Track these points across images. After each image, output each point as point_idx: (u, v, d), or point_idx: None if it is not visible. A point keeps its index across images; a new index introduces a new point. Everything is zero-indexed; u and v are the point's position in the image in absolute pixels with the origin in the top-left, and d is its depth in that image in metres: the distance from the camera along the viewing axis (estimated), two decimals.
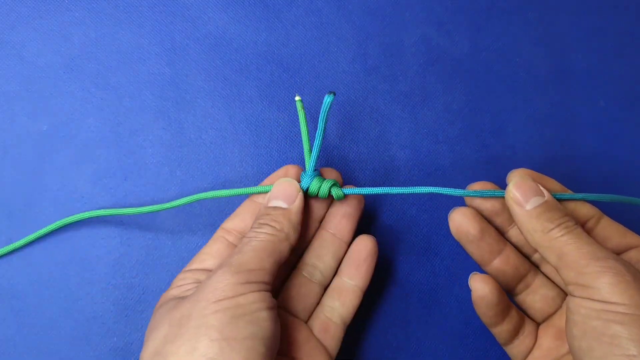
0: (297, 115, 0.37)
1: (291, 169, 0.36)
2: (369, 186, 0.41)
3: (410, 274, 0.40)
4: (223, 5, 0.42)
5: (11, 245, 0.38)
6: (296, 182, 0.35)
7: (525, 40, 0.43)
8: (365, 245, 0.36)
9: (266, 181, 0.36)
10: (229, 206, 0.40)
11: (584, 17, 0.44)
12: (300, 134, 0.36)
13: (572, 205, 0.34)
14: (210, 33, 0.41)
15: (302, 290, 0.35)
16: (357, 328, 0.39)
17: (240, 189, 0.36)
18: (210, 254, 0.35)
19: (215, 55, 0.41)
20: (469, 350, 0.40)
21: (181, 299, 0.31)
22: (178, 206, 0.37)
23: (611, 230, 0.34)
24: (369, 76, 0.42)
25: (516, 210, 0.32)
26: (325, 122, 0.34)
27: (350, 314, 0.36)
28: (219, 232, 0.35)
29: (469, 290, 0.33)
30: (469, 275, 0.34)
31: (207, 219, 0.40)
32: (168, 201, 0.39)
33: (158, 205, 0.37)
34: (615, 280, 0.28)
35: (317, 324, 0.35)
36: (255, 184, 0.40)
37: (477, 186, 0.35)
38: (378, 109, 0.42)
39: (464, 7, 0.43)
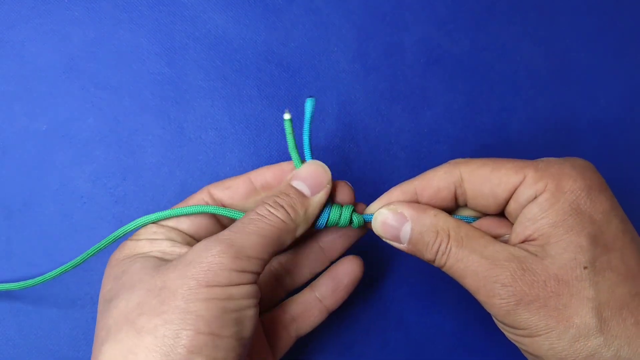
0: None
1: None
2: (370, 189, 0.41)
3: (409, 275, 0.40)
4: (223, 5, 0.42)
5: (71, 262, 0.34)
6: (329, 171, 0.31)
7: (525, 40, 0.43)
8: (351, 271, 0.34)
9: (262, 171, 0.33)
10: None
11: (584, 17, 0.44)
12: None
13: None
14: (210, 33, 0.41)
15: (267, 288, 0.34)
16: (356, 328, 0.39)
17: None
18: (188, 217, 0.32)
19: (215, 55, 0.41)
20: (469, 351, 0.40)
21: (161, 261, 0.28)
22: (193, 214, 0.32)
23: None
24: (369, 76, 0.42)
25: (398, 246, 0.31)
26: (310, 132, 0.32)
27: (307, 331, 0.34)
28: (204, 197, 0.32)
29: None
30: None
31: None
32: (166, 201, 0.39)
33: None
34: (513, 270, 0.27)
35: (270, 324, 0.33)
36: None
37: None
38: (378, 109, 0.41)
39: (464, 7, 0.43)
